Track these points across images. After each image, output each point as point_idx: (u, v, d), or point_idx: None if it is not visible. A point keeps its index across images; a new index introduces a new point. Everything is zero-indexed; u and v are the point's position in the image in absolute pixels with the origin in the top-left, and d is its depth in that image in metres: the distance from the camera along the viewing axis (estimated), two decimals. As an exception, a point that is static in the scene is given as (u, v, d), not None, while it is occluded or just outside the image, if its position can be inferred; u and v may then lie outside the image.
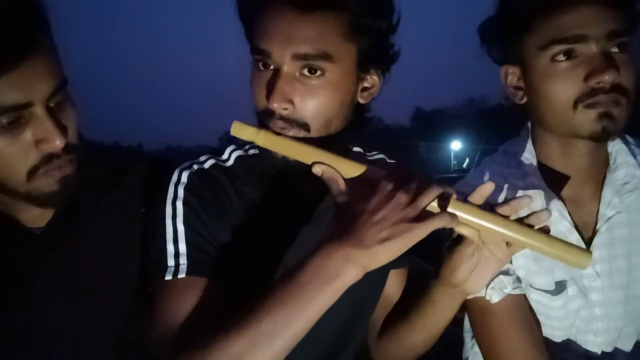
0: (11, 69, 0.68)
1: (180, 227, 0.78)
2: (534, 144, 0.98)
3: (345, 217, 0.66)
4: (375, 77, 0.84)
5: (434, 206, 0.67)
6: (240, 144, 0.89)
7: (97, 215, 0.88)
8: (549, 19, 0.85)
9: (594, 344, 0.94)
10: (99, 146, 0.97)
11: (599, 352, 0.94)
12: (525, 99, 0.94)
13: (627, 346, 0.96)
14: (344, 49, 0.76)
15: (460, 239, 0.75)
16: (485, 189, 0.72)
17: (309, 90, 0.76)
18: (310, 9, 0.74)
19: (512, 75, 0.95)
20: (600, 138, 0.86)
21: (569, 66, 0.85)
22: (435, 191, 0.66)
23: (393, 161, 1.02)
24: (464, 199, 0.71)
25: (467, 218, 0.70)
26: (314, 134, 0.78)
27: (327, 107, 0.77)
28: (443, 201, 0.68)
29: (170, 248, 0.77)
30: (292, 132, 0.77)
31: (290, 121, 0.77)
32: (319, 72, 0.75)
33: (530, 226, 0.71)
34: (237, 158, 0.88)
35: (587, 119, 0.85)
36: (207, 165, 0.85)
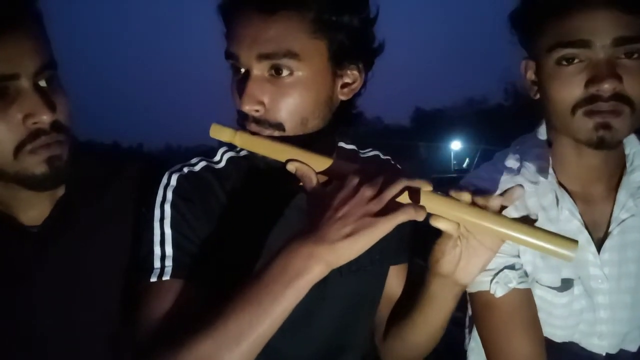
0: None
1: (168, 230, 0.78)
2: (547, 140, 0.97)
3: (313, 213, 0.66)
4: (355, 72, 0.83)
5: (407, 200, 0.66)
6: (232, 145, 0.89)
7: (93, 213, 0.88)
8: (557, 22, 0.84)
9: (599, 347, 0.93)
10: (94, 146, 0.97)
11: (604, 354, 0.93)
12: (538, 95, 0.93)
13: (632, 350, 0.95)
14: (311, 47, 0.76)
15: (441, 230, 0.73)
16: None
17: (279, 90, 0.76)
18: (274, 10, 0.74)
19: (530, 70, 0.94)
20: (597, 147, 0.84)
21: (572, 71, 0.83)
22: (401, 184, 0.65)
23: (388, 157, 1.02)
24: (443, 192, 0.69)
25: (440, 211, 0.68)
26: (290, 132, 0.77)
27: (299, 105, 0.77)
28: (415, 194, 0.67)
29: (157, 250, 0.77)
30: (268, 132, 0.77)
31: (263, 122, 0.77)
32: (287, 72, 0.75)
33: (511, 217, 0.68)
34: (229, 159, 0.88)
35: (584, 127, 0.84)
36: (197, 167, 0.85)
